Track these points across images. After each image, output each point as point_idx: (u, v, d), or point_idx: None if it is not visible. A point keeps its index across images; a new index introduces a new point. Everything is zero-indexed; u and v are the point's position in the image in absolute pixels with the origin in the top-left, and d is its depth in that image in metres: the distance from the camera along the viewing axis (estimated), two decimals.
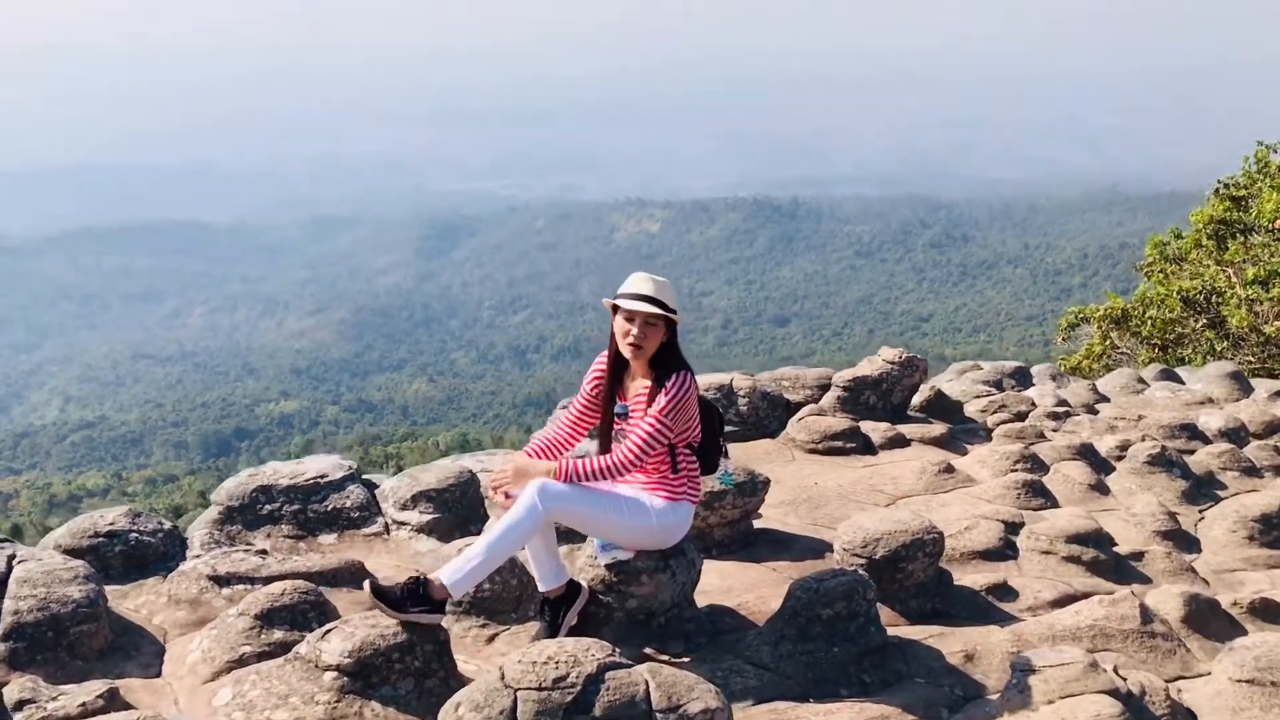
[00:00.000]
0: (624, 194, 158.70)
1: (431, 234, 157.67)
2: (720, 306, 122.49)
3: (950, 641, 4.90)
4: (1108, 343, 21.77)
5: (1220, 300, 20.69)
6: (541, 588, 4.65)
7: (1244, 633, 5.29)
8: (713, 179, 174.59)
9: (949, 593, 5.40)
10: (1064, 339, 23.51)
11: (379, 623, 4.20)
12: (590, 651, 3.77)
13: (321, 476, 5.82)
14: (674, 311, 4.50)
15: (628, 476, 4.56)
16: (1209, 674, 4.89)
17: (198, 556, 5.25)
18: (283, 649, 4.44)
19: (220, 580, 5.01)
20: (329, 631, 4.19)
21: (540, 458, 4.66)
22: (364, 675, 4.07)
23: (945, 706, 4.41)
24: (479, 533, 5.71)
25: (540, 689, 3.61)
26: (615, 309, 4.57)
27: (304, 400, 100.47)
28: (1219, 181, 22.36)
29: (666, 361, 4.52)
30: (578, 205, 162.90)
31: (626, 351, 4.52)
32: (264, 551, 5.32)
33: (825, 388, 8.47)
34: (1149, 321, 21.38)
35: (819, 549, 6.00)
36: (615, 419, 4.65)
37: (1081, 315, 23.68)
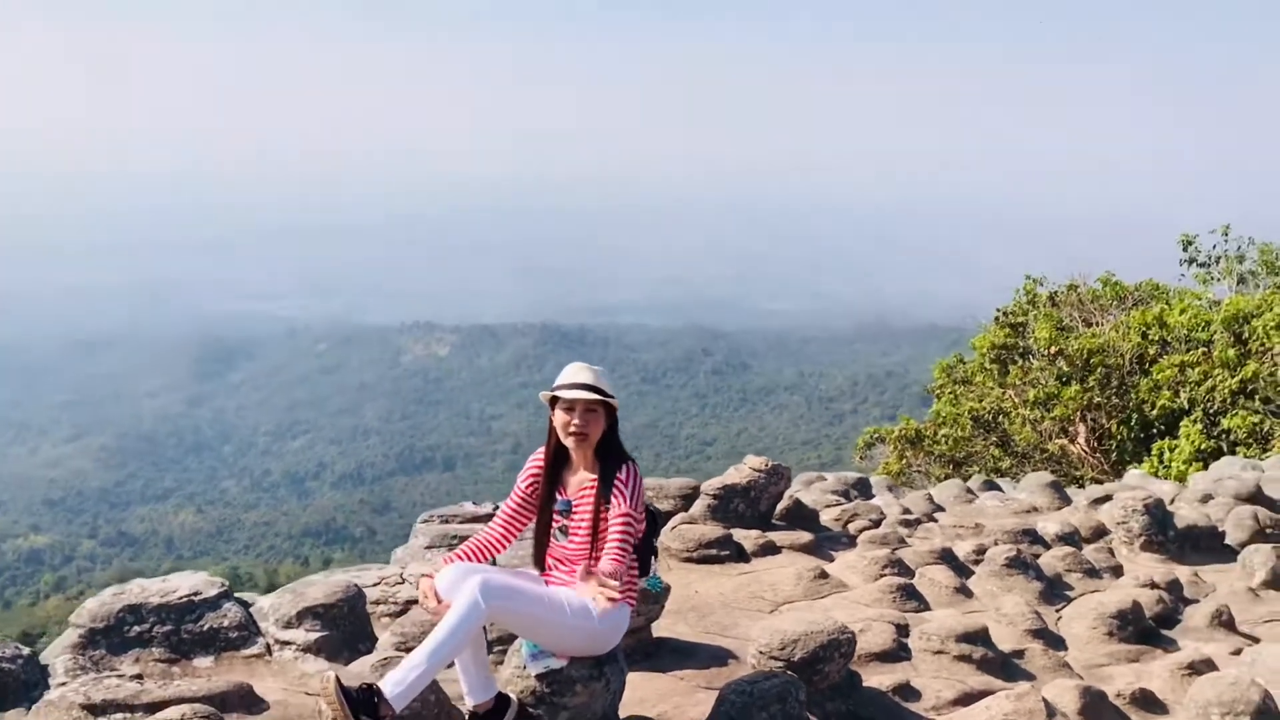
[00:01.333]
0: (411, 317, 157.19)
1: (206, 356, 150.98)
2: (511, 430, 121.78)
3: None
4: (904, 461, 22.81)
5: (1006, 420, 22.07)
6: (470, 702, 4.38)
7: None
8: (502, 305, 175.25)
9: (860, 694, 5.40)
10: (861, 458, 24.47)
11: None
12: None
13: (195, 594, 5.36)
14: (613, 398, 4.45)
15: (562, 576, 4.41)
16: None
17: (64, 684, 4.70)
18: None
19: (95, 709, 4.49)
20: None
21: (465, 558, 4.45)
22: None
23: None
24: (368, 652, 5.38)
25: None
26: (553, 402, 4.48)
27: (56, 534, 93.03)
28: (998, 310, 24.08)
29: (611, 452, 4.45)
30: (362, 328, 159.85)
31: (570, 442, 4.43)
32: (139, 676, 4.81)
33: (688, 497, 8.50)
34: (943, 440, 22.54)
35: (721, 656, 5.92)
36: (555, 515, 4.50)
37: (877, 435, 24.79)
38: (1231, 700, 5.06)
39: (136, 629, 5.12)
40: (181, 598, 5.29)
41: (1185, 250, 25.42)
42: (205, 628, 5.24)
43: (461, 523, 7.48)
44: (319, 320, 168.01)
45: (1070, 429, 21.57)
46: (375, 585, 6.24)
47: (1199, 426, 19.65)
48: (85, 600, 5.23)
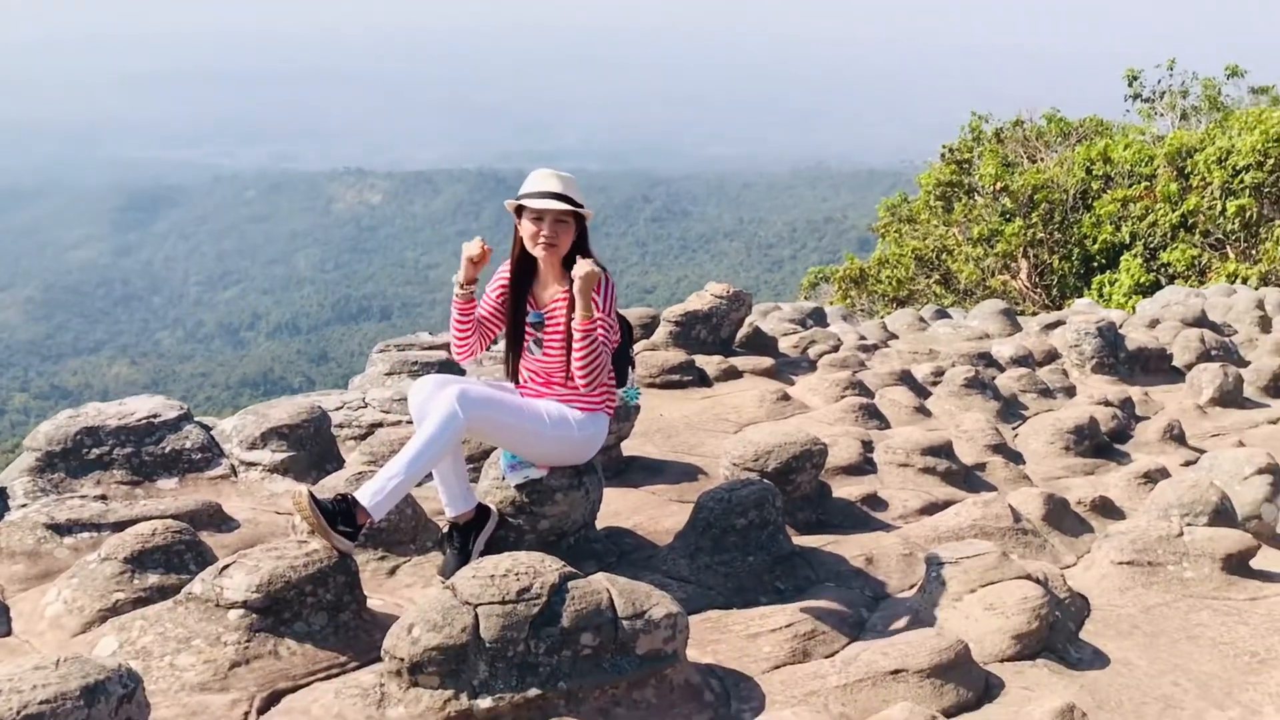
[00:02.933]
0: (342, 164, 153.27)
1: (129, 206, 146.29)
2: (447, 279, 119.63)
3: (847, 548, 4.96)
4: (848, 300, 22.95)
5: (949, 258, 22.19)
6: (449, 513, 4.32)
7: (1090, 529, 5.63)
8: (436, 151, 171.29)
9: (829, 504, 5.45)
10: (805, 297, 24.57)
11: (284, 554, 3.77)
12: (547, 563, 3.54)
13: (154, 416, 5.20)
14: (583, 206, 4.27)
15: (538, 388, 4.32)
16: (1074, 564, 5.20)
17: (24, 506, 4.57)
18: (160, 594, 3.93)
19: (60, 529, 4.37)
20: (227, 567, 3.72)
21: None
22: (274, 611, 3.65)
23: (863, 606, 4.44)
24: (336, 472, 5.28)
25: (504, 602, 3.35)
26: (519, 211, 4.28)
27: None
28: (944, 147, 23.96)
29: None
30: (292, 175, 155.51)
31: (539, 253, 4.25)
32: (103, 497, 4.69)
33: (648, 326, 8.43)
34: (886, 279, 22.66)
35: (690, 472, 5.93)
36: (528, 328, 4.37)
37: (821, 275, 24.90)
38: (1191, 502, 5.17)
39: (95, 451, 4.97)
40: (140, 420, 5.14)
41: (1130, 85, 25.35)
42: (167, 449, 5.11)
43: (421, 349, 7.35)
44: (246, 167, 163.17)
45: (1012, 265, 21.80)
46: (338, 409, 6.13)
47: (1139, 260, 19.96)
48: (39, 425, 5.05)
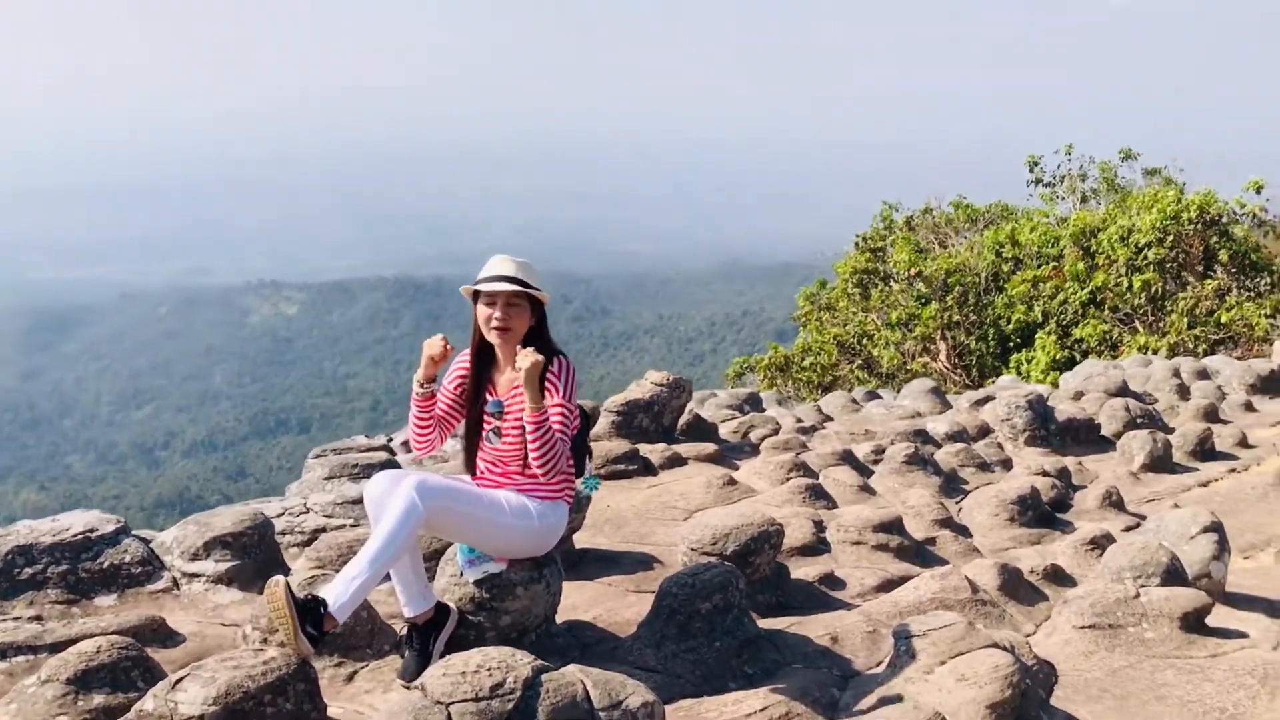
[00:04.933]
0: (256, 276, 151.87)
1: (36, 327, 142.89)
2: (368, 389, 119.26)
3: (810, 628, 4.91)
4: (774, 388, 23.15)
5: (870, 342, 22.58)
6: (408, 613, 4.20)
7: (1045, 597, 5.67)
8: (351, 259, 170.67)
9: (788, 585, 5.41)
10: (731, 387, 24.71)
11: (241, 663, 3.61)
12: (518, 657, 3.44)
13: (90, 530, 5.00)
14: (539, 290, 4.26)
15: (496, 478, 4.26)
16: (1035, 632, 5.21)
17: None
18: (106, 715, 3.74)
19: None
20: (180, 680, 3.55)
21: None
22: None
23: (833, 686, 4.38)
24: None
25: (477, 699, 3.24)
26: (476, 297, 4.27)
27: None
28: (857, 236, 24.56)
29: (541, 348, 4.26)
30: (205, 289, 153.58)
31: (493, 337, 4.22)
32: (38, 618, 4.47)
33: (589, 416, 8.38)
34: (810, 366, 22.96)
35: (645, 562, 5.87)
36: (486, 416, 4.31)
37: (746, 364, 25.12)
38: (1143, 564, 5.24)
39: (28, 570, 4.74)
40: (76, 535, 4.93)
41: (1031, 171, 26.31)
42: (105, 565, 4.90)
43: (360, 452, 7.20)
44: (157, 283, 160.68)
45: (931, 347, 22.22)
46: (279, 516, 5.96)
47: (1053, 337, 20.49)
48: None
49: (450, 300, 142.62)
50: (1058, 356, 20.16)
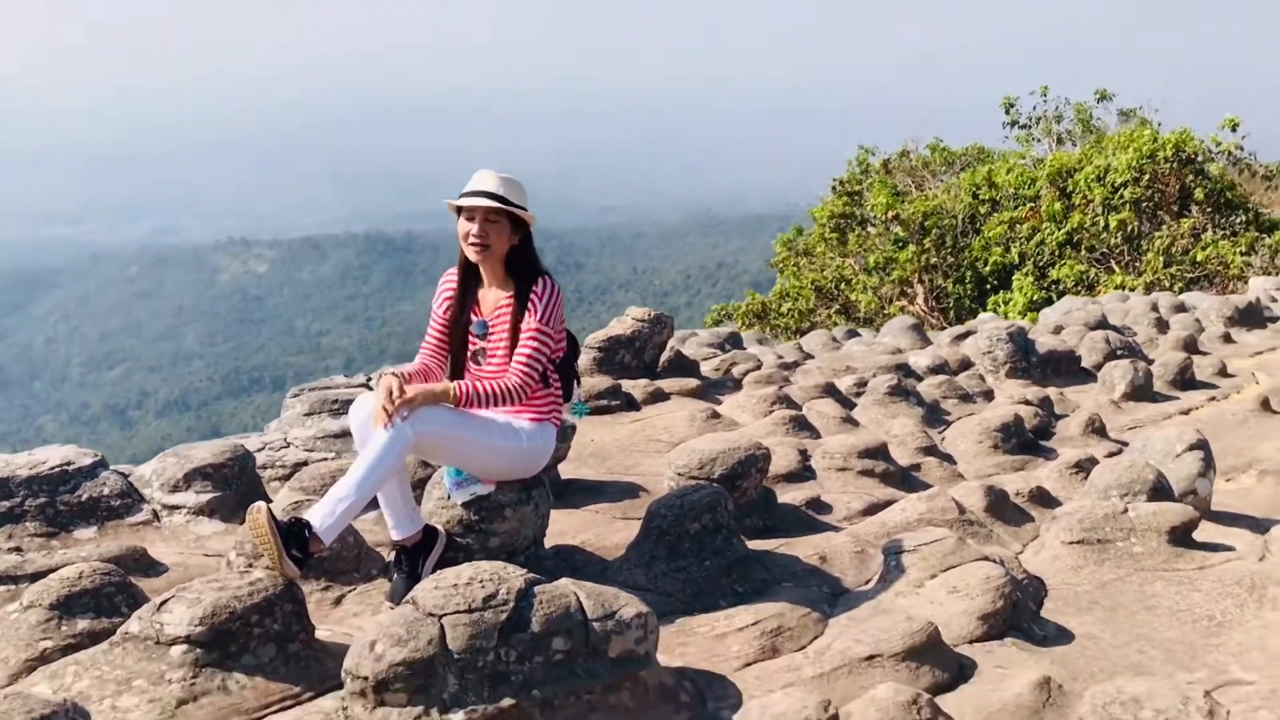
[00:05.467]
0: (226, 235, 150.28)
1: (4, 288, 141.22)
2: (341, 345, 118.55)
3: (799, 549, 4.89)
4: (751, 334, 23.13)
5: (848, 287, 22.57)
6: (396, 535, 4.14)
7: (1031, 519, 5.68)
8: (321, 216, 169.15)
9: (775, 510, 5.39)
10: None
11: (226, 584, 3.55)
12: (510, 570, 3.40)
13: (68, 464, 4.91)
14: (522, 208, 4.16)
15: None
16: (1022, 550, 5.21)
17: None
18: (91, 640, 3.67)
19: None
20: (165, 601, 3.49)
21: (408, 381, 4.12)
22: (220, 644, 3.42)
23: (823, 602, 4.37)
24: None
25: (470, 611, 3.20)
26: (460, 212, 4.17)
27: None
28: (834, 180, 24.45)
29: (525, 268, 4.18)
30: (175, 249, 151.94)
31: (471, 253, 4.13)
32: (18, 549, 4.40)
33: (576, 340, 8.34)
34: (788, 312, 22.93)
35: (632, 490, 5.83)
36: (471, 337, 4.24)
37: (724, 312, 25.08)
38: (1129, 481, 5.24)
39: (5, 504, 4.65)
40: (53, 468, 4.84)
41: (1007, 113, 26.22)
42: (83, 497, 4.81)
43: (340, 389, 7.12)
44: (127, 244, 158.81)
45: (909, 290, 22.24)
46: (259, 450, 5.89)
47: (1030, 279, 20.52)
48: None
49: (420, 255, 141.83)
50: (1035, 298, 20.21)
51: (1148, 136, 20.86)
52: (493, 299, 4.22)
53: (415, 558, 4.13)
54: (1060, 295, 19.94)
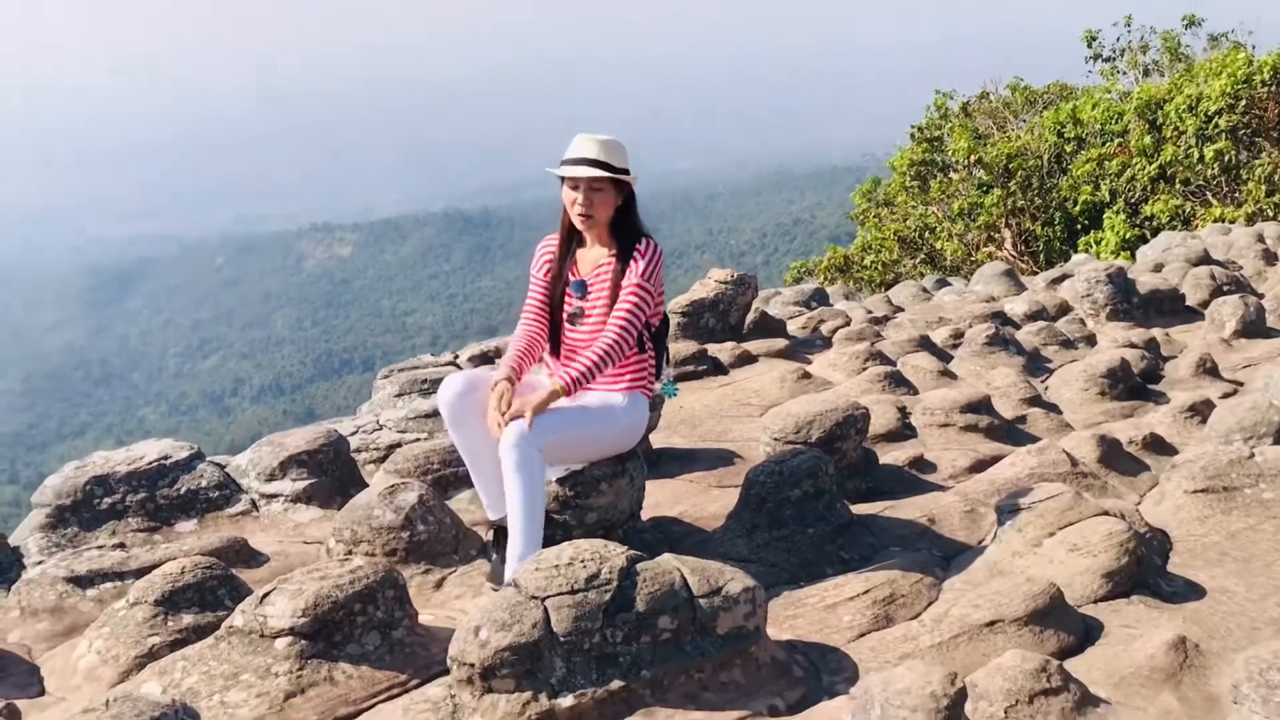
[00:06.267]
0: (308, 220, 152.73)
1: (99, 284, 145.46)
2: (426, 324, 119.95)
3: (905, 511, 4.73)
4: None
5: (932, 236, 22.07)
6: (492, 516, 4.09)
7: (1147, 468, 5.43)
8: (400, 195, 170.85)
9: (876, 471, 5.23)
10: None
11: (327, 574, 3.52)
12: (610, 548, 3.30)
13: (165, 458, 4.94)
14: (625, 172, 4.06)
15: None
16: (1140, 502, 4.98)
17: (40, 563, 4.30)
18: (196, 634, 3.67)
19: (81, 581, 4.11)
20: (268, 594, 3.47)
21: (519, 374, 4.06)
22: (324, 634, 3.39)
23: (935, 567, 4.21)
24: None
25: (573, 592, 3.11)
26: (563, 179, 4.09)
27: None
28: (913, 127, 23.88)
29: (628, 230, 4.09)
30: (259, 236, 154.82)
31: (578, 223, 4.06)
32: (121, 545, 4.43)
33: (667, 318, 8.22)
34: (871, 265, 22.52)
35: (726, 457, 5.71)
36: (568, 297, 4.15)
37: (805, 268, 24.72)
38: (1254, 424, 4.98)
39: (108, 500, 4.70)
40: (151, 463, 4.87)
41: (1090, 46, 25.32)
42: (182, 490, 4.84)
43: (429, 369, 7.09)
44: (211, 234, 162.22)
45: (996, 236, 21.69)
46: (352, 435, 5.87)
47: (1122, 216, 19.87)
48: (45, 481, 4.77)
49: (498, 231, 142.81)
50: (1128, 236, 19.54)
51: (1242, 60, 19.96)
52: (593, 258, 4.14)
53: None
54: (1155, 232, 19.23)
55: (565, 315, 4.13)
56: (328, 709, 3.24)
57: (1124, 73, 25.53)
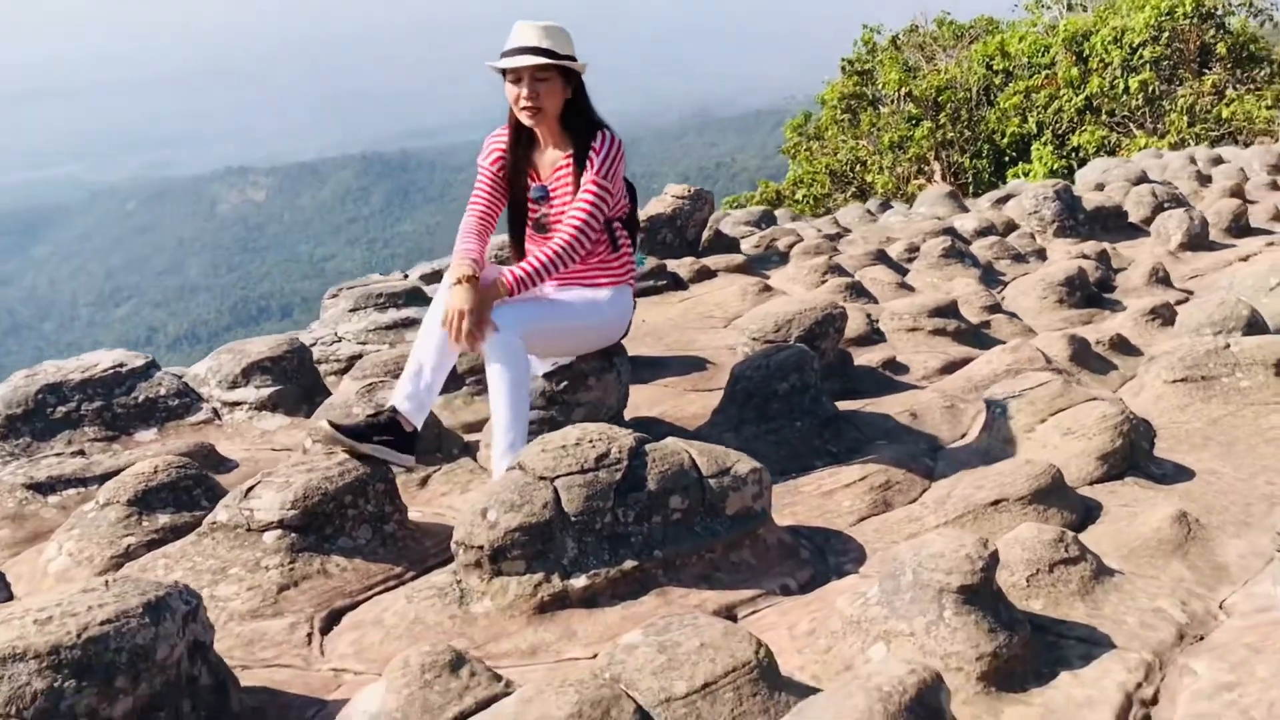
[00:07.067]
0: (222, 164, 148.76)
1: (3, 231, 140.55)
2: (345, 269, 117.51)
3: (887, 407, 4.70)
4: None
5: (863, 169, 22.12)
6: (402, 407, 3.85)
7: (1115, 367, 5.47)
8: (317, 140, 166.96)
9: (852, 371, 5.19)
10: None
11: (315, 466, 3.37)
12: (617, 430, 3.20)
13: (120, 366, 4.71)
14: (571, 59, 3.84)
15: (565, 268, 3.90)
16: (1117, 393, 5.01)
17: None
18: (174, 534, 3.50)
19: (42, 487, 3.91)
20: (252, 488, 3.31)
21: (481, 263, 3.79)
22: (315, 528, 3.25)
23: (924, 457, 4.19)
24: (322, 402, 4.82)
25: (584, 471, 3.01)
26: (504, 74, 3.84)
27: None
28: (843, 60, 23.82)
29: (581, 123, 3.88)
30: (172, 181, 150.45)
31: (524, 118, 3.80)
32: (81, 453, 4.22)
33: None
34: (803, 199, 22.51)
35: (697, 364, 5.61)
36: (530, 204, 3.98)
37: (736, 203, 24.64)
38: (1223, 319, 5.03)
39: (62, 409, 4.46)
40: (106, 370, 4.63)
41: None
42: (140, 399, 4.62)
43: (380, 284, 6.88)
44: (123, 179, 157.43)
45: (926, 168, 21.80)
46: (311, 346, 5.67)
47: (1049, 148, 20.08)
48: None
49: (418, 174, 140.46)
50: (1055, 167, 19.79)
51: None
52: (550, 160, 3.92)
53: (385, 432, 3.55)
54: (1082, 163, 19.46)
55: (530, 222, 3.96)
56: (323, 600, 3.11)
57: (1048, 7, 25.69)
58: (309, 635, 2.97)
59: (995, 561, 2.64)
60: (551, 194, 3.95)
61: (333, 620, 3.07)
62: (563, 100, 3.84)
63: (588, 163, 3.81)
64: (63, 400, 4.50)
